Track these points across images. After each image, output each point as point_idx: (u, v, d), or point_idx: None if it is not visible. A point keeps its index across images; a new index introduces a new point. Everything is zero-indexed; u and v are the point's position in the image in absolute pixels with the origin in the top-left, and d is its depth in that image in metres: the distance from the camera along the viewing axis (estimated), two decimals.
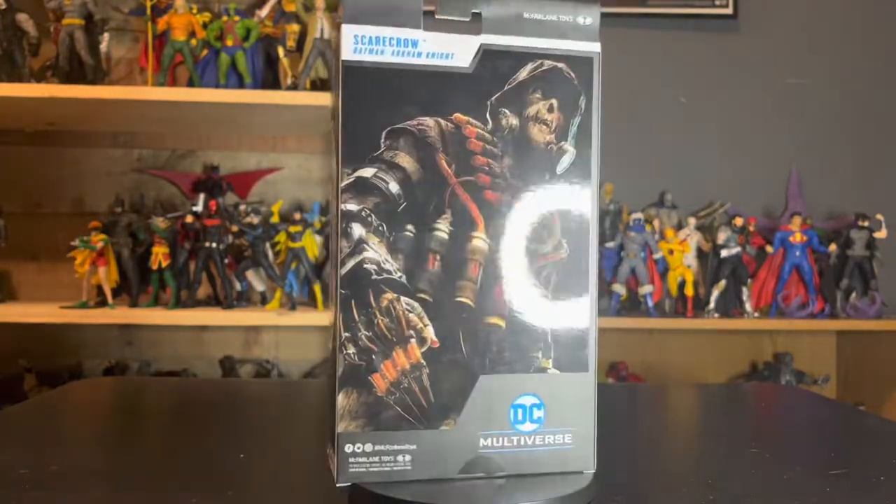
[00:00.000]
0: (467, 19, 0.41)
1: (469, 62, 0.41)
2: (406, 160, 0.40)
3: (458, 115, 0.41)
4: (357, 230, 0.40)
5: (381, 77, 0.40)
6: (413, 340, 0.40)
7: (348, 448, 0.40)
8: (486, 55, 0.41)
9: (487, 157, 0.41)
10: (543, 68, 0.41)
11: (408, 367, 0.40)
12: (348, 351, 0.40)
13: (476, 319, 0.41)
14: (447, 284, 0.40)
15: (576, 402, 0.42)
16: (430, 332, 0.40)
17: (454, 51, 0.40)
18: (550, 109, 0.41)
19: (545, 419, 0.42)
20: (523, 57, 0.41)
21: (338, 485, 0.40)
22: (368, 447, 0.40)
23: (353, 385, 0.40)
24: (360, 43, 0.40)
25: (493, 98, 0.41)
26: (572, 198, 0.42)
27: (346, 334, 0.40)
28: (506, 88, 0.41)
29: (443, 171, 0.40)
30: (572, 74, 0.41)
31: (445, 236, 0.40)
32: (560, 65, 0.41)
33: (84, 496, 0.43)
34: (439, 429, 0.41)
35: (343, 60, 0.39)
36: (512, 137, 0.41)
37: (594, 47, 0.42)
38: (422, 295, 0.40)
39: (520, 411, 0.41)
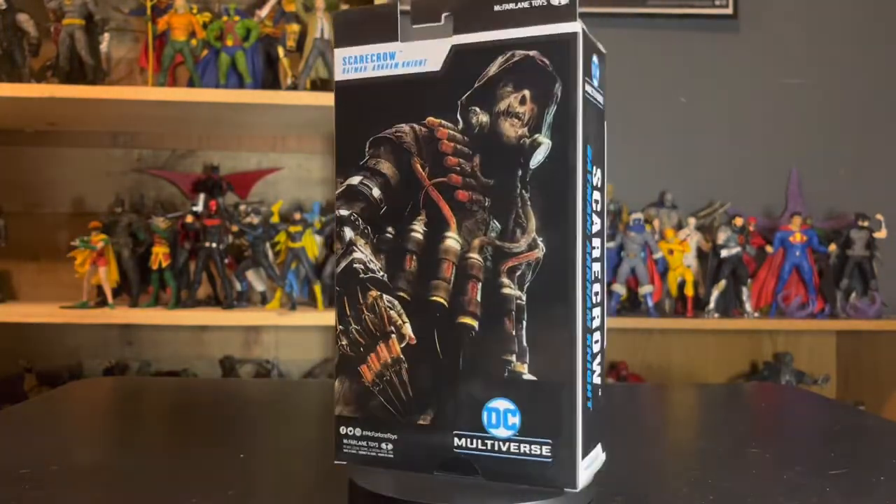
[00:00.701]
0: (440, 23, 0.41)
1: (440, 65, 0.41)
2: (386, 166, 0.42)
3: (430, 119, 0.41)
4: (348, 233, 0.43)
5: (364, 92, 0.43)
6: (394, 336, 0.42)
7: (342, 430, 0.44)
8: (457, 55, 0.41)
9: (458, 157, 0.41)
10: (514, 59, 0.39)
11: (389, 361, 0.43)
12: (342, 342, 0.44)
13: (449, 319, 0.41)
14: (423, 283, 0.42)
15: (556, 414, 0.39)
16: (408, 329, 0.42)
17: (427, 56, 0.41)
18: (522, 101, 0.39)
19: (520, 426, 0.40)
20: (493, 51, 0.40)
21: (335, 461, 0.44)
22: (358, 431, 0.43)
23: (345, 374, 0.44)
24: (347, 64, 0.43)
25: (463, 97, 0.40)
26: (550, 193, 0.39)
27: (340, 327, 0.44)
28: (475, 86, 0.40)
29: (417, 174, 0.42)
30: (546, 61, 0.39)
31: (420, 237, 0.42)
32: (532, 53, 0.39)
33: (84, 496, 0.43)
34: (417, 423, 0.42)
35: (335, 82, 0.44)
36: (482, 135, 0.40)
37: (571, 28, 0.38)
38: (401, 293, 0.42)
39: (493, 415, 0.40)
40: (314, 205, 1.66)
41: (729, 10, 1.87)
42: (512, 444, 0.40)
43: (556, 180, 0.39)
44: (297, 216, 1.57)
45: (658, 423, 0.67)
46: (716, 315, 1.67)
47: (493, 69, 0.40)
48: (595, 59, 0.40)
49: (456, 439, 0.41)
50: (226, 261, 1.57)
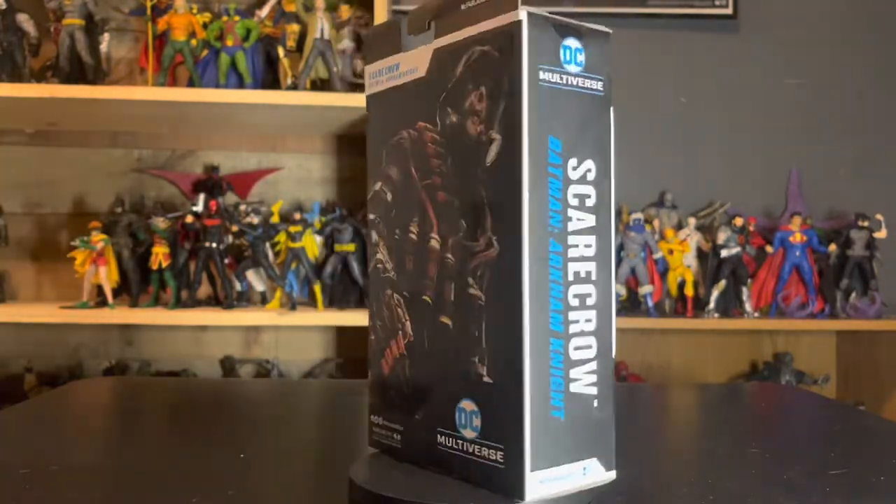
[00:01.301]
0: (428, 30, 0.42)
1: (426, 71, 0.42)
2: (394, 171, 0.45)
3: (420, 123, 0.42)
4: (374, 236, 0.46)
5: (381, 103, 0.46)
6: (400, 332, 0.44)
7: (373, 418, 0.47)
8: (437, 60, 0.41)
9: (438, 159, 0.41)
10: (474, 57, 0.39)
11: (398, 356, 0.45)
12: (371, 337, 0.47)
13: (433, 317, 0.42)
14: (417, 283, 0.43)
15: (507, 419, 0.38)
16: (408, 327, 0.44)
17: (418, 64, 0.43)
18: (480, 98, 0.39)
19: (481, 429, 0.39)
20: (460, 50, 0.40)
21: (368, 446, 0.47)
22: (380, 420, 0.46)
23: (374, 365, 0.47)
24: (371, 78, 0.46)
25: (440, 100, 0.41)
26: (502, 190, 0.37)
27: (371, 323, 0.47)
28: (448, 87, 0.40)
29: (413, 177, 0.43)
30: (496, 54, 0.38)
31: (415, 238, 0.43)
32: (486, 48, 0.38)
33: (84, 496, 0.43)
34: (415, 417, 0.43)
35: (366, 96, 0.47)
36: (454, 135, 0.40)
37: (514, 16, 0.37)
38: (404, 292, 0.44)
39: (463, 415, 0.40)
40: (314, 205, 1.66)
41: (729, 10, 1.87)
42: (476, 445, 0.39)
43: (505, 176, 0.37)
44: (297, 216, 1.57)
45: (658, 424, 0.67)
46: (716, 315, 1.67)
47: (459, 68, 0.40)
48: (574, 42, 0.38)
49: (439, 436, 0.42)
50: (226, 261, 1.57)
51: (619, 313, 1.68)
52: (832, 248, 1.72)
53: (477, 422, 0.39)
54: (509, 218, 0.37)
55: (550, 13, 0.38)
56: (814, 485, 0.45)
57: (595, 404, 0.39)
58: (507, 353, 0.37)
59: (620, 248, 1.68)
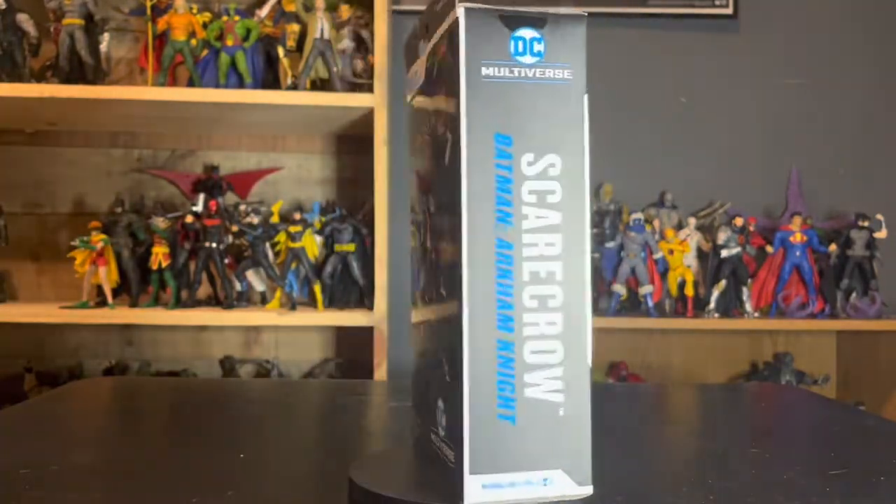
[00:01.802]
0: (427, 34, 0.43)
1: (424, 75, 0.43)
2: (415, 175, 0.46)
3: (424, 127, 0.43)
4: (412, 238, 0.48)
5: (410, 109, 0.47)
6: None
7: (414, 414, 0.49)
8: (428, 63, 0.42)
9: (429, 163, 0.42)
10: (440, 57, 0.39)
11: (419, 353, 0.47)
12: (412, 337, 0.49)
13: (428, 317, 0.43)
14: (421, 282, 0.45)
15: (456, 418, 0.36)
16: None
17: (422, 70, 0.43)
18: (444, 98, 0.39)
19: (445, 426, 0.39)
20: (437, 53, 0.40)
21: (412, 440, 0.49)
22: (414, 413, 0.48)
23: (413, 365, 0.49)
24: (408, 87, 0.47)
25: (430, 104, 0.42)
26: (453, 191, 0.36)
27: (413, 321, 0.48)
28: (433, 90, 0.41)
29: (422, 183, 0.44)
30: (449, 53, 0.37)
31: (422, 239, 0.45)
32: (444, 47, 0.38)
33: (84, 496, 0.43)
34: (423, 415, 0.45)
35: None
36: (433, 137, 0.40)
37: (454, 14, 0.36)
38: (419, 292, 0.46)
39: (440, 414, 0.40)
40: (314, 205, 1.66)
41: (729, 10, 1.87)
42: (444, 444, 0.40)
43: (453, 175, 0.36)
44: (297, 216, 1.57)
45: (658, 423, 0.67)
46: (716, 315, 1.67)
47: (435, 70, 0.40)
48: (528, 32, 0.36)
49: (431, 434, 0.42)
50: (226, 261, 1.57)
51: (618, 313, 1.68)
52: (832, 248, 1.72)
53: (444, 420, 0.40)
54: (456, 219, 0.36)
55: (519, 7, 0.37)
56: (814, 485, 0.45)
57: (561, 412, 0.36)
58: (453, 352, 0.37)
59: (620, 248, 1.68)
